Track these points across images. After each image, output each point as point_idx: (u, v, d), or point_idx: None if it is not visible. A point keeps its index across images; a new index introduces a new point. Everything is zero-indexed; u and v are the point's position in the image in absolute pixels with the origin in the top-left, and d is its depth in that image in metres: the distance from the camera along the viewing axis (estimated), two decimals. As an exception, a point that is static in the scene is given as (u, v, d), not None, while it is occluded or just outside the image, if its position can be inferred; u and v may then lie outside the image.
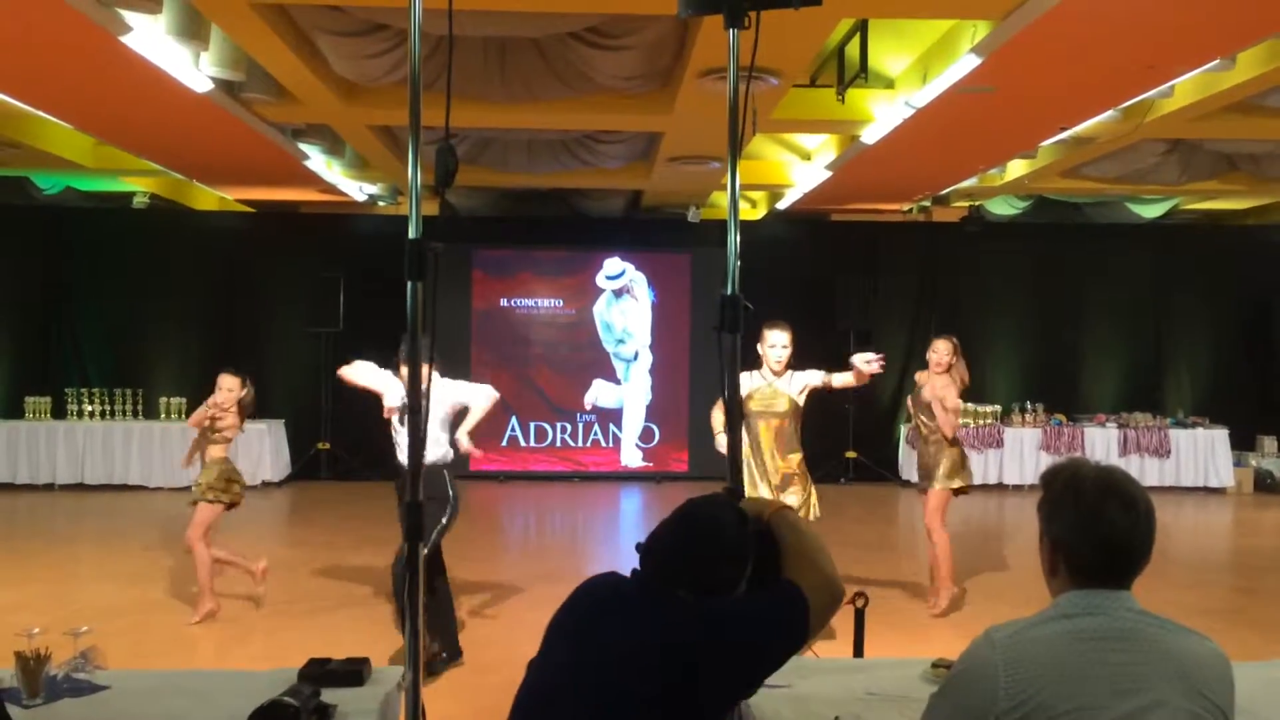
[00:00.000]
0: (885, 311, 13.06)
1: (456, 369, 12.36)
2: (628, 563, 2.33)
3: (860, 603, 3.80)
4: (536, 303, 12.95)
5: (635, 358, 12.92)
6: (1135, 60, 6.22)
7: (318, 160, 9.81)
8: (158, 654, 5.93)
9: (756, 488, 6.02)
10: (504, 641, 6.17)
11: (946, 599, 6.78)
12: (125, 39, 5.73)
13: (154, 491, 11.63)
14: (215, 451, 6.73)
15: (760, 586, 2.27)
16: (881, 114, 7.87)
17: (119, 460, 11.89)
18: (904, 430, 12.87)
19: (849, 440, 12.58)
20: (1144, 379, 13.48)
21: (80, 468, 11.82)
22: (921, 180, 10.72)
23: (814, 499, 6.15)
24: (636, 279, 12.92)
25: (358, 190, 11.69)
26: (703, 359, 12.56)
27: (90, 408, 12.04)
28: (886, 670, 3.17)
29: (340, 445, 12.35)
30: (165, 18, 5.89)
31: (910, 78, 7.47)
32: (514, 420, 12.75)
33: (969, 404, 12.71)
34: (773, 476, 6.06)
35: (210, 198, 12.64)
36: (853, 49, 6.80)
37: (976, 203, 12.56)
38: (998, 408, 12.76)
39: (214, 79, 6.74)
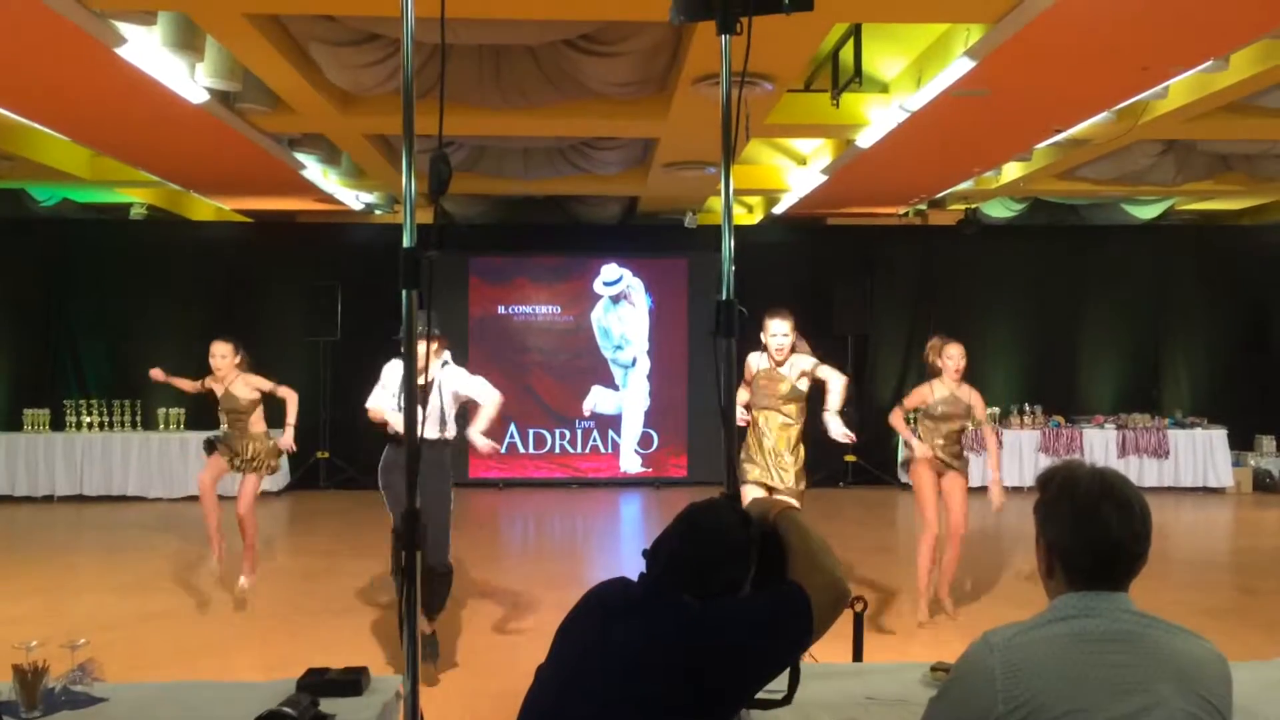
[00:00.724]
0: (882, 315, 13.07)
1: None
2: (627, 569, 2.34)
3: (859, 607, 3.80)
4: (534, 309, 12.95)
5: (633, 364, 12.92)
6: (1129, 62, 6.23)
7: (314, 170, 9.81)
8: (156, 666, 5.92)
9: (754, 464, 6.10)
10: (504, 648, 6.17)
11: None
12: (120, 51, 5.73)
13: (153, 502, 11.62)
14: (255, 425, 7.11)
15: (766, 588, 2.28)
16: (876, 118, 7.88)
17: (118, 471, 11.88)
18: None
19: (848, 444, 12.55)
20: (1142, 380, 13.49)
21: (79, 479, 11.81)
22: (917, 184, 10.72)
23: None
24: (634, 285, 12.93)
25: (354, 199, 11.69)
26: (701, 364, 12.57)
27: (89, 419, 12.03)
28: (885, 675, 3.17)
29: (339, 454, 12.35)
30: (160, 29, 5.90)
31: (905, 81, 7.49)
32: (513, 427, 12.75)
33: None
34: (770, 456, 6.07)
35: (207, 208, 12.64)
36: (847, 53, 6.81)
37: (972, 205, 12.57)
38: (996, 410, 12.76)
39: (209, 90, 6.75)
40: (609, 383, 12.93)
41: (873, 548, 9.37)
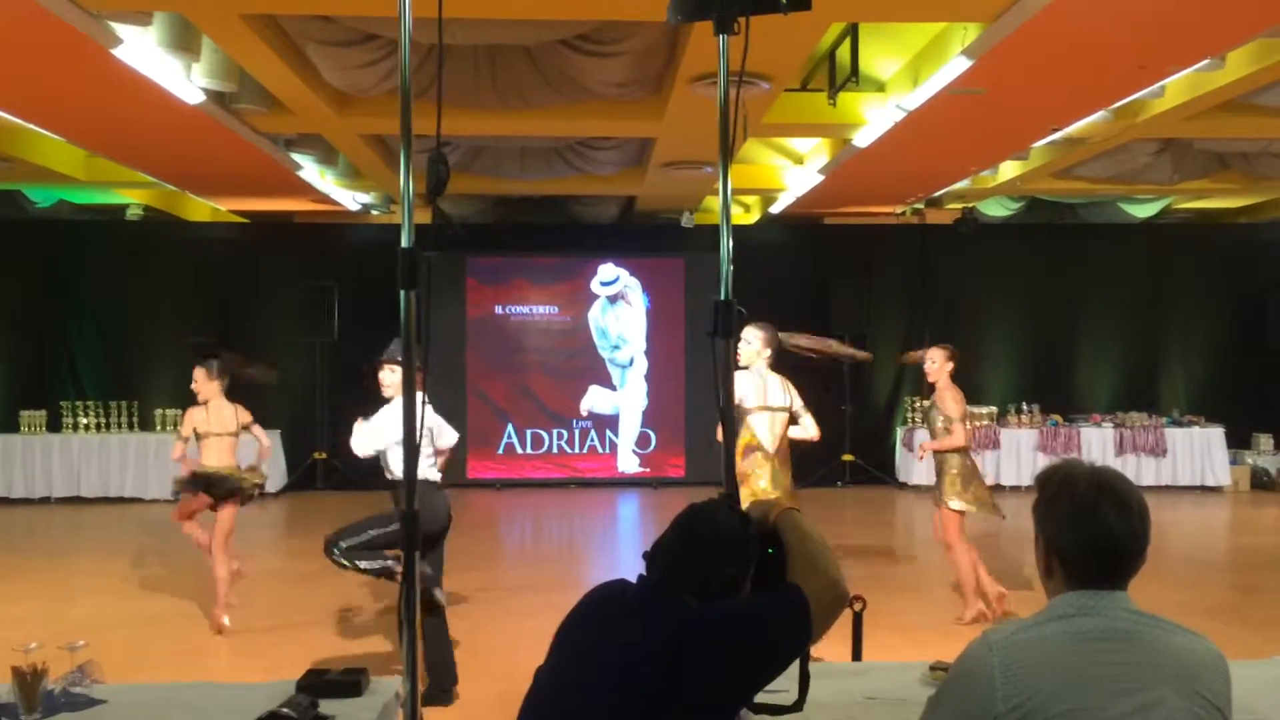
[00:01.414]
0: (880, 314, 13.07)
1: (452, 377, 12.42)
2: (625, 569, 2.34)
3: (858, 606, 3.79)
4: (531, 310, 12.94)
5: (630, 363, 12.92)
6: (1126, 60, 6.24)
7: (310, 170, 9.81)
8: (156, 667, 5.91)
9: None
10: (502, 650, 6.16)
11: (971, 612, 6.71)
12: (116, 51, 5.73)
13: (150, 504, 11.60)
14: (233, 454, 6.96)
15: (766, 589, 2.28)
16: (873, 117, 7.88)
17: (115, 473, 11.87)
18: (900, 433, 12.89)
19: (846, 443, 12.58)
20: (1139, 379, 13.50)
21: (76, 481, 11.80)
22: (914, 183, 10.73)
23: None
24: (631, 285, 12.93)
25: (351, 199, 11.69)
26: (698, 364, 12.56)
27: (85, 420, 12.02)
28: (884, 674, 3.17)
29: (337, 455, 12.34)
30: (156, 30, 5.89)
31: (901, 81, 7.49)
32: (510, 428, 12.75)
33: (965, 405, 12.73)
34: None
35: (203, 209, 12.63)
36: (844, 53, 6.82)
37: (969, 204, 12.58)
38: (994, 409, 12.77)
39: (206, 90, 6.75)
40: (606, 383, 12.93)
41: (870, 547, 9.37)
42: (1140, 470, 12.31)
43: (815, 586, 2.22)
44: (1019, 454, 12.46)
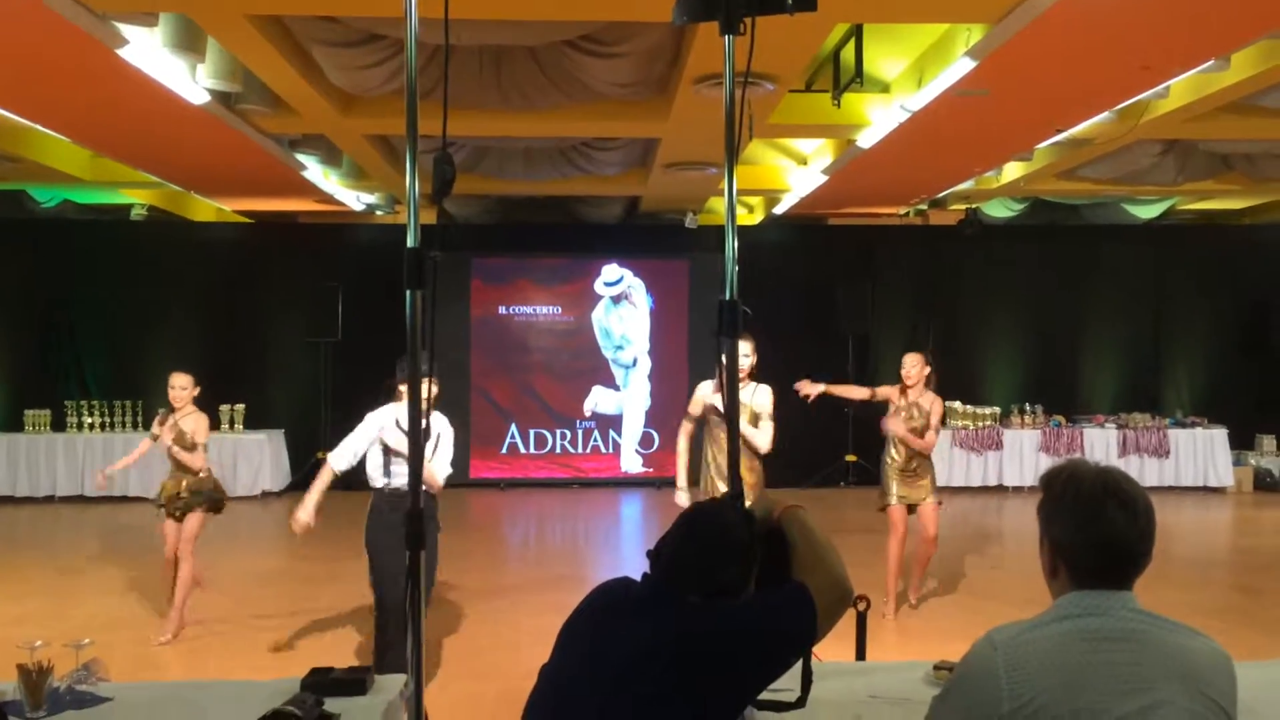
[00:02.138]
0: (884, 315, 13.07)
1: (456, 378, 12.43)
2: (628, 568, 2.35)
3: (862, 606, 3.80)
4: (535, 310, 12.95)
5: (634, 364, 12.92)
6: (1130, 62, 6.24)
7: (315, 170, 9.82)
8: (160, 666, 5.93)
9: (716, 487, 6.07)
10: (506, 649, 6.17)
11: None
12: (122, 52, 5.74)
13: (148, 503, 11.59)
14: (194, 461, 6.71)
15: (770, 587, 2.28)
16: (877, 118, 7.88)
17: (119, 472, 11.86)
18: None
19: (848, 444, 12.57)
20: (1143, 379, 13.49)
21: (80, 480, 11.82)
22: (918, 184, 10.73)
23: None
24: (635, 285, 12.93)
25: (355, 200, 11.70)
26: (701, 364, 12.55)
27: (90, 420, 12.04)
28: (888, 673, 3.17)
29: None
30: (161, 31, 5.90)
31: (906, 82, 7.49)
32: (513, 427, 12.75)
33: (968, 406, 12.75)
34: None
35: (208, 209, 12.65)
36: (848, 54, 6.82)
37: (973, 205, 12.58)
38: (997, 409, 12.77)
39: (210, 91, 6.76)
40: (610, 383, 12.93)
41: (874, 547, 9.35)
42: (1143, 471, 12.30)
43: (820, 584, 2.23)
44: (1021, 455, 12.46)
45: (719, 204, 12.29)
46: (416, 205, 2.76)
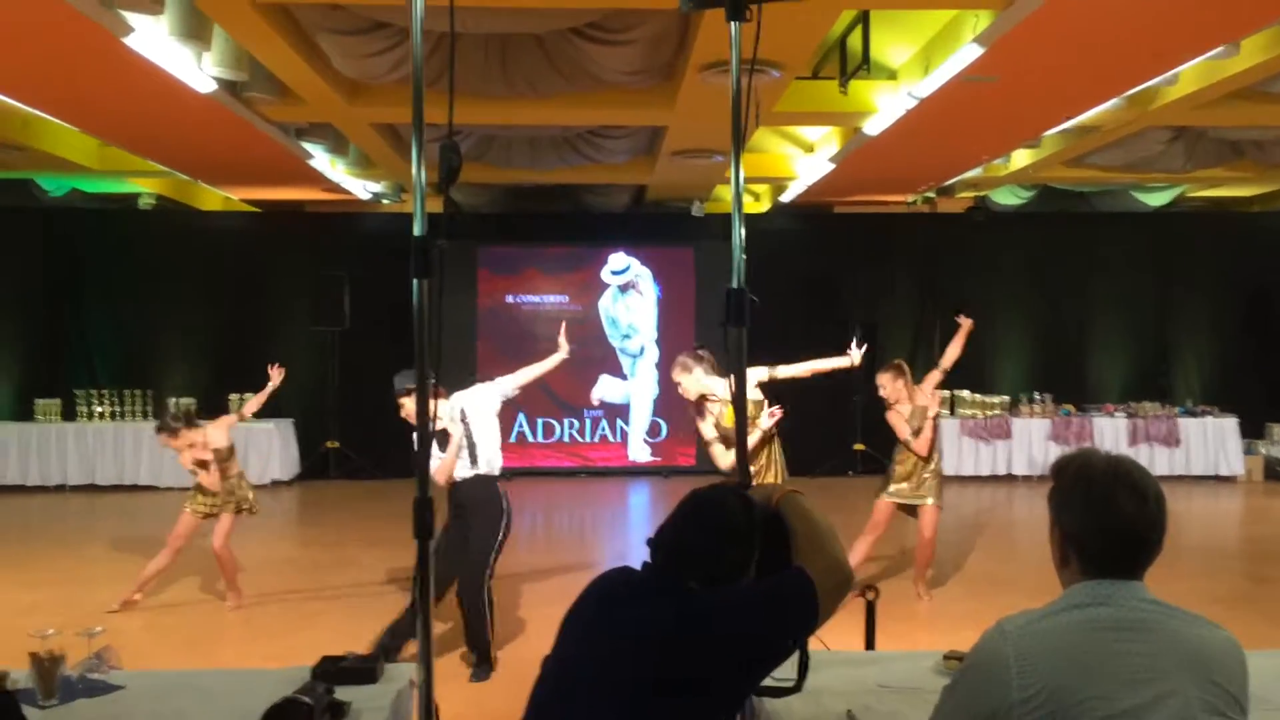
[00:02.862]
0: (891, 303, 13.05)
1: (462, 366, 12.44)
2: (636, 557, 2.34)
3: (871, 595, 3.80)
4: (542, 299, 12.95)
5: (641, 352, 12.92)
6: (1139, 48, 6.20)
7: (322, 159, 9.81)
8: (172, 654, 5.95)
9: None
10: (516, 638, 6.19)
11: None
12: (128, 40, 5.73)
13: (165, 491, 11.64)
14: (232, 469, 7.05)
15: (770, 572, 2.27)
16: (884, 105, 7.85)
17: (129, 461, 11.93)
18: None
19: (857, 432, 12.57)
20: (1152, 368, 13.45)
21: (91, 469, 11.87)
22: (925, 171, 10.69)
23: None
24: (641, 274, 12.92)
25: (362, 188, 11.70)
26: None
27: (100, 409, 12.08)
28: (898, 663, 3.17)
29: (349, 444, 12.37)
30: (167, 19, 5.89)
31: (912, 68, 7.46)
32: (521, 416, 12.77)
33: (977, 395, 12.73)
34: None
35: (215, 198, 12.66)
36: (855, 40, 6.79)
37: (981, 193, 12.53)
38: (1006, 399, 12.75)
39: (217, 79, 6.75)
40: (617, 372, 12.93)
41: (883, 536, 9.34)
42: (1153, 460, 12.28)
43: (820, 568, 2.22)
44: (1031, 444, 12.44)
45: (725, 192, 12.25)
46: (423, 194, 2.75)
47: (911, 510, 7.00)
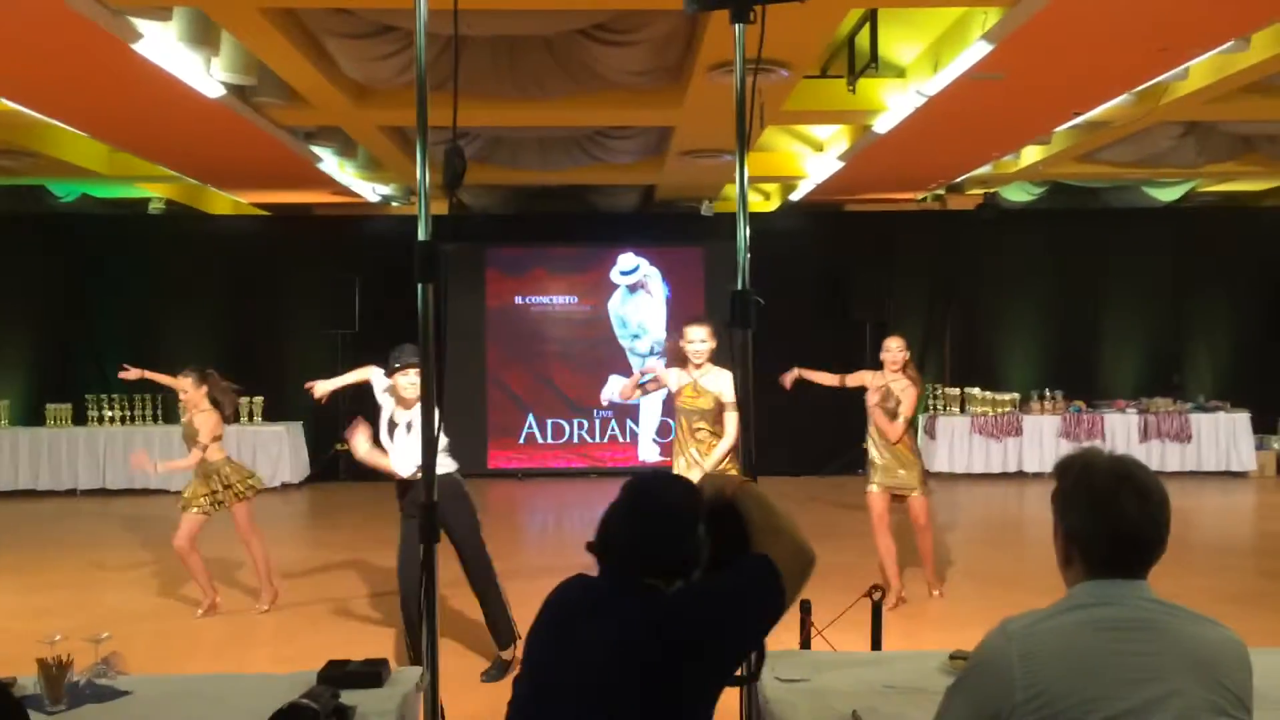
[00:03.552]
0: (901, 301, 13.02)
1: (473, 368, 12.46)
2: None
3: (877, 596, 3.79)
4: (551, 300, 12.96)
5: (651, 352, 12.91)
6: (1148, 43, 6.17)
7: (330, 162, 9.84)
8: (180, 658, 5.97)
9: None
10: (523, 640, 6.18)
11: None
12: (136, 46, 5.76)
13: (176, 495, 11.63)
14: (215, 455, 7.02)
15: (730, 563, 2.26)
16: (893, 103, 7.83)
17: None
18: (921, 420, 12.84)
19: (864, 432, 12.50)
20: (1164, 364, 13.39)
21: (102, 473, 11.92)
22: (935, 169, 10.66)
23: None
24: (651, 274, 12.92)
25: (371, 191, 11.72)
26: (717, 353, 12.53)
27: (111, 413, 12.13)
28: (903, 663, 3.16)
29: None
30: (176, 24, 5.92)
31: (921, 66, 7.44)
32: (531, 417, 12.77)
33: (987, 392, 12.70)
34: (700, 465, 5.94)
35: (225, 202, 12.70)
36: (863, 39, 6.77)
37: (991, 190, 12.49)
38: (1016, 395, 12.71)
39: (225, 84, 6.77)
40: (627, 372, 12.91)
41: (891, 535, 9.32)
42: (1165, 456, 12.23)
43: (782, 553, 2.22)
44: (1041, 441, 12.40)
45: (735, 191, 12.25)
46: (427, 197, 2.76)
47: (901, 499, 6.96)
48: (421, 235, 2.72)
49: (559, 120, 8.44)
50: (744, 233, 2.79)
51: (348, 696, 2.78)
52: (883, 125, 8.14)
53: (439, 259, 2.69)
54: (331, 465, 12.55)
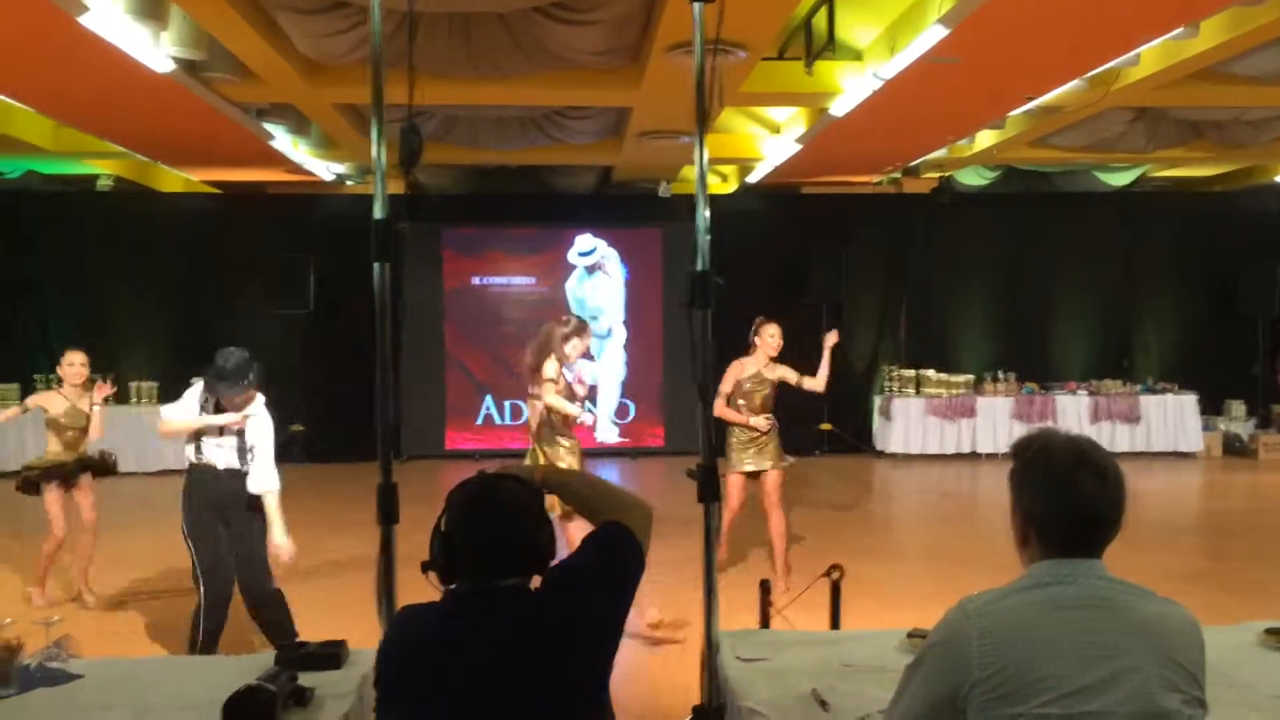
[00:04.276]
0: (857, 283, 13.10)
1: (429, 349, 12.38)
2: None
3: (836, 575, 3.82)
4: (508, 281, 12.89)
5: (609, 334, 12.91)
6: (1100, 29, 6.23)
7: (283, 140, 9.70)
8: (132, 642, 5.90)
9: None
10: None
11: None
12: (83, 19, 5.62)
13: (126, 476, 11.49)
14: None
15: (584, 541, 2.37)
16: (850, 86, 7.86)
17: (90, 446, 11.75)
18: (878, 401, 12.95)
19: (823, 413, 12.63)
20: (1114, 346, 13.61)
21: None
22: (891, 152, 10.72)
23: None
24: (608, 255, 12.89)
25: (325, 170, 11.58)
26: (676, 335, 12.56)
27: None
28: (862, 642, 3.19)
29: (312, 428, 12.28)
30: (124, -3, 5.79)
31: (878, 49, 7.46)
32: (489, 399, 12.72)
33: (941, 373, 12.83)
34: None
35: (176, 179, 12.48)
36: (820, 21, 6.77)
37: (946, 173, 12.60)
38: (970, 377, 12.86)
39: (175, 59, 6.64)
40: (584, 353, 12.89)
41: (849, 515, 9.42)
42: (1114, 437, 12.44)
43: (627, 515, 2.35)
44: (995, 422, 12.56)
45: (692, 172, 12.24)
46: (384, 176, 2.73)
47: (756, 475, 6.94)
48: (378, 214, 2.69)
49: (516, 99, 8.38)
50: (704, 214, 2.78)
51: (306, 678, 2.76)
52: (840, 108, 8.16)
53: (395, 238, 2.67)
54: (287, 447, 12.41)
